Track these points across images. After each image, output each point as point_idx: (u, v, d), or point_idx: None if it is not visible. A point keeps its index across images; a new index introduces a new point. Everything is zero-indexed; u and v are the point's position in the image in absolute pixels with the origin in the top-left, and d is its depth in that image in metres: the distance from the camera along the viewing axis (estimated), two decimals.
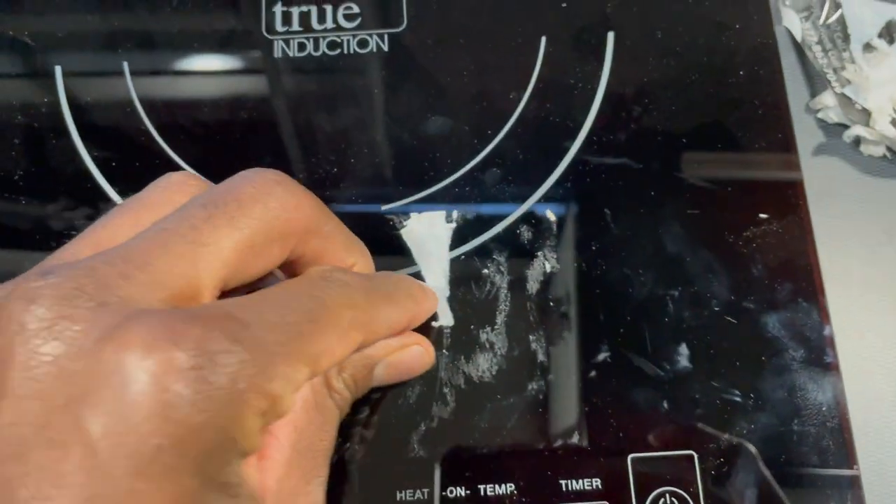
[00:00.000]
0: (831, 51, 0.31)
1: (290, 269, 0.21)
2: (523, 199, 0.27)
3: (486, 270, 0.26)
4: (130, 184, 0.28)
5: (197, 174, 0.20)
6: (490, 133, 0.28)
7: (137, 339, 0.15)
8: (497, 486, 0.23)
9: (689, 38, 0.30)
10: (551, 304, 0.26)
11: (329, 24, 0.31)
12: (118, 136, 0.29)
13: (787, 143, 0.28)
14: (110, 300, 0.15)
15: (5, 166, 0.29)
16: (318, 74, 0.30)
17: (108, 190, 0.28)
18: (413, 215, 0.27)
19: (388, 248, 0.26)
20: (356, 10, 0.31)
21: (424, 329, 0.24)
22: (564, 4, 0.31)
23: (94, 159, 0.29)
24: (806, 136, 0.29)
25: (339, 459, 0.23)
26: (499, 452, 0.24)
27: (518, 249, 0.27)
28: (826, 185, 0.28)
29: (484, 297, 0.26)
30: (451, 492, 0.23)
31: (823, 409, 0.24)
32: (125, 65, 0.30)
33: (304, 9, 0.31)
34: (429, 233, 0.27)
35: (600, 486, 0.23)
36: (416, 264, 0.26)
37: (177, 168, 0.28)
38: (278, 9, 0.31)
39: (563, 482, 0.23)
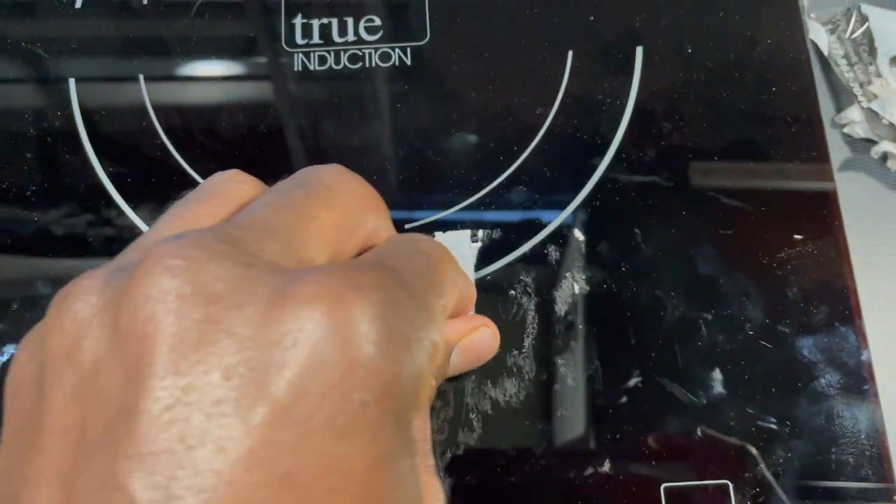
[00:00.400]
0: (857, 65, 0.31)
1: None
2: (550, 219, 0.27)
3: (512, 292, 0.26)
4: (143, 196, 0.28)
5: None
6: (516, 150, 0.28)
7: (319, 292, 0.13)
8: None
9: (719, 52, 0.29)
10: (580, 326, 0.25)
11: (350, 36, 0.30)
12: (132, 148, 0.29)
13: (821, 161, 0.27)
14: (256, 262, 0.14)
15: (18, 177, 0.28)
16: (339, 88, 0.29)
17: (119, 202, 0.27)
18: (437, 235, 0.26)
19: None
20: (378, 22, 0.30)
21: None
22: (592, 18, 0.30)
23: (107, 171, 0.28)
24: (832, 151, 0.28)
25: None
26: (527, 480, 0.23)
27: (546, 270, 0.26)
28: (854, 202, 0.28)
29: (511, 319, 0.25)
30: None
31: (862, 436, 0.23)
32: (140, 77, 0.30)
33: (325, 21, 0.30)
34: (454, 253, 0.26)
35: None
36: None
37: (192, 181, 0.28)
38: (298, 21, 0.31)
39: None
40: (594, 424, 0.24)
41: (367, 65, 0.30)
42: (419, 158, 0.28)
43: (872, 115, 0.30)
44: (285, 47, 0.30)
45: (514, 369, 0.24)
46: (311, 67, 0.30)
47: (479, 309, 0.25)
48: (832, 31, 0.32)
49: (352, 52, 0.30)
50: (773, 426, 0.24)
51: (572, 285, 0.26)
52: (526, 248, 0.26)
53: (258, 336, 0.13)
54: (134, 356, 0.13)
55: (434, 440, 0.24)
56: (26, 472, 0.13)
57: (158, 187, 0.28)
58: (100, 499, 0.12)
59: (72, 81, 0.30)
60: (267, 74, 0.30)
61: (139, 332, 0.13)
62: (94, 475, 0.12)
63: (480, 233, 0.27)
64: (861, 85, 0.31)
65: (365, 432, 0.13)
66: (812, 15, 0.31)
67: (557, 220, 0.27)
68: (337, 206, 0.17)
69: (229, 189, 0.18)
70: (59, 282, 0.26)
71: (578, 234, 0.26)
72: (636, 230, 0.26)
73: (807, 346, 0.25)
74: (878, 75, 0.30)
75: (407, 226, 0.27)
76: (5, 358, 0.25)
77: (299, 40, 0.30)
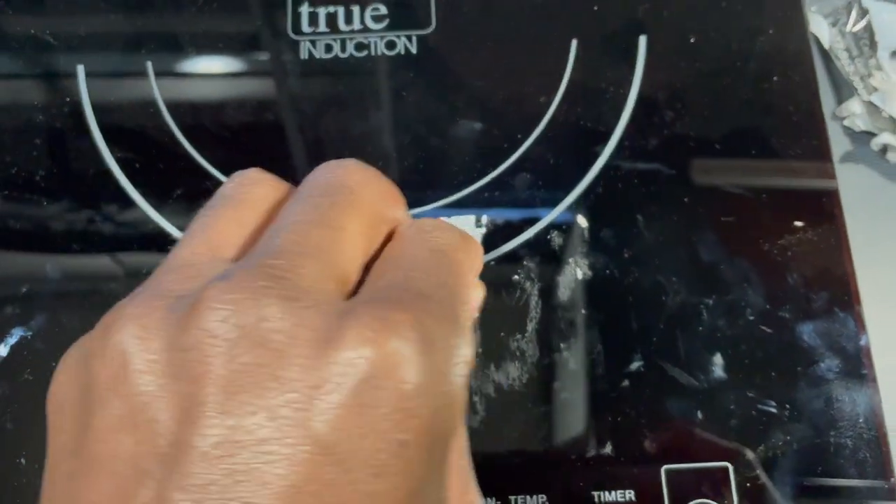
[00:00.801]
0: (858, 58, 0.31)
1: None
2: (554, 205, 0.27)
3: (516, 277, 0.26)
4: (152, 184, 0.28)
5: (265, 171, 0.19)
6: (520, 137, 0.28)
7: (359, 336, 0.14)
8: (528, 498, 0.23)
9: (721, 42, 0.29)
10: (583, 311, 0.25)
11: (356, 25, 0.30)
12: (141, 136, 0.29)
13: (821, 150, 0.28)
14: (298, 295, 0.14)
15: (27, 165, 0.28)
16: (345, 76, 0.30)
17: (129, 190, 0.28)
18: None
19: None
20: (384, 11, 0.31)
21: None
22: (596, 8, 0.30)
23: (117, 159, 0.28)
24: (833, 143, 0.29)
25: None
26: (530, 462, 0.23)
27: (549, 256, 0.26)
28: (854, 193, 0.28)
29: (514, 304, 0.25)
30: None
31: (860, 420, 0.24)
32: (149, 64, 0.30)
33: (331, 9, 0.31)
34: None
35: (633, 498, 0.23)
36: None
37: (200, 169, 0.28)
38: (304, 9, 0.31)
39: (595, 493, 0.23)
40: (596, 408, 0.24)
41: (373, 53, 0.30)
42: (424, 145, 0.28)
43: (873, 108, 0.30)
44: (292, 35, 0.31)
45: (517, 353, 0.25)
46: (318, 55, 0.30)
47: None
48: (833, 25, 0.32)
49: (357, 40, 0.30)
50: (773, 410, 0.24)
51: (575, 271, 0.26)
52: (529, 234, 0.27)
53: (302, 379, 0.13)
54: (185, 395, 0.13)
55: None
56: (74, 495, 0.14)
57: (166, 173, 0.28)
58: None
59: (80, 68, 0.30)
60: (273, 62, 0.30)
61: (191, 372, 0.14)
62: (146, 502, 0.13)
63: (485, 218, 0.27)
64: (862, 78, 0.31)
65: (402, 469, 0.14)
66: (813, 8, 0.31)
67: (560, 206, 0.27)
68: (362, 208, 0.17)
69: (252, 195, 0.18)
70: (66, 267, 0.27)
71: (581, 221, 0.27)
72: (638, 217, 0.27)
73: (806, 332, 0.25)
74: (879, 68, 0.30)
75: (412, 211, 0.27)
76: (14, 340, 0.25)
77: (305, 28, 0.31)
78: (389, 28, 0.30)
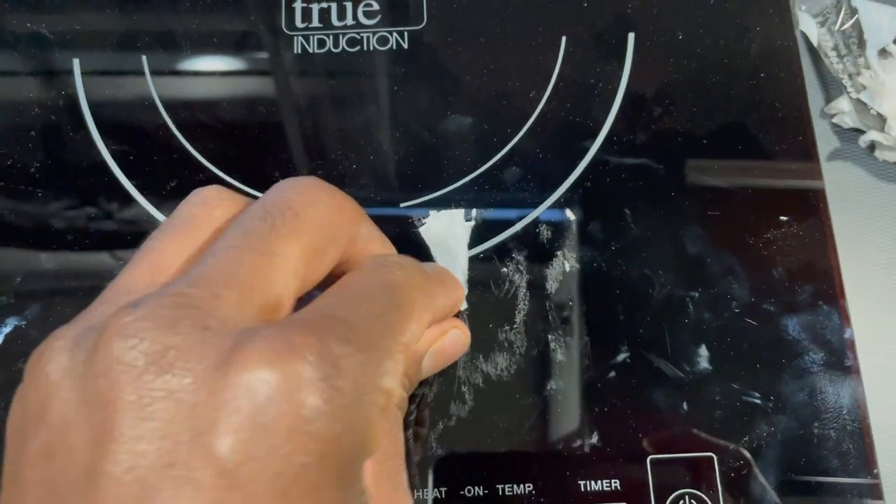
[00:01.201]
0: (847, 56, 0.31)
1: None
2: (543, 199, 0.27)
3: (504, 269, 0.26)
4: (148, 178, 0.28)
5: (225, 188, 0.19)
6: (510, 132, 0.28)
7: (260, 358, 0.14)
8: (515, 486, 0.23)
9: (709, 39, 0.30)
10: (570, 303, 0.26)
11: (349, 20, 0.31)
12: (136, 131, 0.29)
13: (807, 146, 0.28)
14: (210, 323, 0.15)
15: (23, 160, 0.28)
16: (338, 71, 0.30)
17: (126, 184, 0.28)
18: (432, 213, 0.27)
19: (406, 246, 0.26)
20: (376, 6, 0.31)
21: None
22: (585, 5, 0.31)
23: (112, 153, 0.28)
24: (821, 141, 0.29)
25: None
26: (517, 452, 0.24)
27: (537, 249, 0.26)
28: (841, 190, 0.28)
29: (503, 296, 0.26)
30: (469, 491, 0.23)
31: (844, 412, 0.24)
32: (144, 60, 0.30)
33: (324, 5, 0.31)
34: (447, 231, 0.27)
35: (619, 488, 0.23)
36: (434, 262, 0.26)
37: (195, 163, 0.28)
38: (298, 4, 0.31)
39: (581, 483, 0.23)
40: (583, 398, 0.24)
41: (366, 48, 0.30)
42: (415, 139, 0.29)
43: (861, 106, 0.30)
44: (285, 30, 0.31)
45: (506, 344, 0.25)
46: (311, 50, 0.30)
47: (473, 286, 0.26)
48: (822, 23, 0.32)
49: (350, 35, 0.31)
50: (758, 401, 0.24)
51: (563, 263, 0.26)
52: (518, 227, 0.27)
53: (206, 402, 0.14)
54: (98, 421, 0.14)
55: (426, 414, 0.24)
56: None
57: (162, 168, 0.28)
58: None
59: (76, 63, 0.30)
60: (267, 57, 0.31)
61: (102, 399, 0.14)
62: None
63: (474, 212, 0.27)
64: (850, 76, 0.31)
65: (307, 492, 0.14)
66: (802, 7, 0.32)
67: (549, 200, 0.27)
68: (304, 232, 0.17)
69: (204, 216, 0.18)
70: (62, 258, 0.27)
71: (570, 214, 0.27)
72: (626, 210, 0.27)
73: (791, 325, 0.25)
74: (867, 67, 0.31)
75: (403, 204, 0.27)
76: (9, 329, 0.26)
77: (299, 23, 0.31)
78: (382, 24, 0.31)
